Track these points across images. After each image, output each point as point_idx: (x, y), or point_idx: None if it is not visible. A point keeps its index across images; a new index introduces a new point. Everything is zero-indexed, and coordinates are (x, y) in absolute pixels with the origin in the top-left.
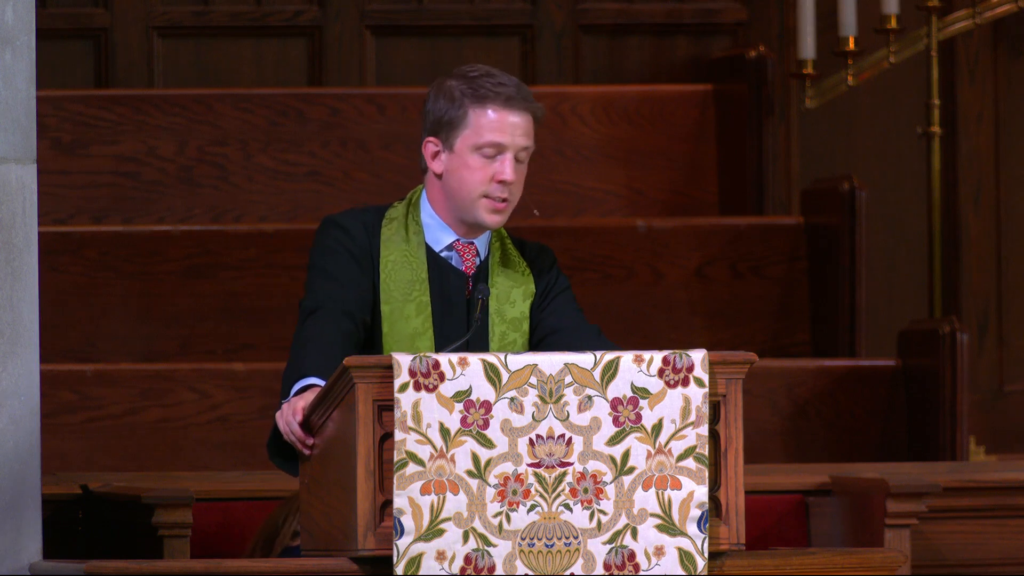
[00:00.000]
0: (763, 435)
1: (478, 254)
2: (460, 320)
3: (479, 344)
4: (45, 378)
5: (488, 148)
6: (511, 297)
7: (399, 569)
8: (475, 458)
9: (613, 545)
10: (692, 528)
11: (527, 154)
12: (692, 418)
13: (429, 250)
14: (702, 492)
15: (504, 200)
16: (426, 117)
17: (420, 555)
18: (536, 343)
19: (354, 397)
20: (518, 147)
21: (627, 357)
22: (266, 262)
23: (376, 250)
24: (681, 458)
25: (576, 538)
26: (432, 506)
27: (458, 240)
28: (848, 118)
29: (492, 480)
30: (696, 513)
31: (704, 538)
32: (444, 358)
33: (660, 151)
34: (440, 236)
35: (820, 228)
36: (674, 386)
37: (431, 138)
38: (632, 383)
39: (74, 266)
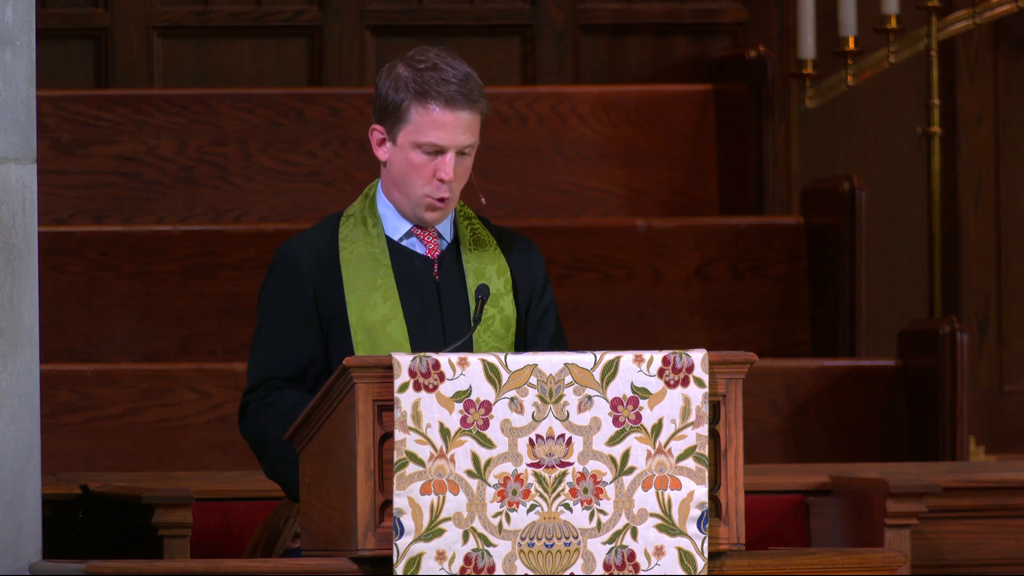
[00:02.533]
0: (763, 435)
1: (440, 236)
2: (431, 305)
3: (461, 325)
4: (45, 378)
5: (428, 146)
6: (486, 274)
7: (399, 569)
8: (475, 458)
9: (613, 545)
10: (692, 528)
11: (472, 148)
12: (692, 418)
13: (389, 240)
14: (702, 492)
15: (443, 199)
16: (375, 102)
17: (420, 555)
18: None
19: (354, 397)
20: (459, 145)
21: (627, 357)
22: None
23: (330, 261)
24: (681, 458)
25: (576, 538)
26: (432, 506)
27: (415, 227)
28: (848, 118)
29: (492, 480)
30: (696, 513)
31: (704, 538)
32: (444, 358)
33: (660, 151)
34: (398, 225)
35: (820, 228)
36: (674, 386)
37: (377, 125)
38: (632, 383)
39: (74, 266)
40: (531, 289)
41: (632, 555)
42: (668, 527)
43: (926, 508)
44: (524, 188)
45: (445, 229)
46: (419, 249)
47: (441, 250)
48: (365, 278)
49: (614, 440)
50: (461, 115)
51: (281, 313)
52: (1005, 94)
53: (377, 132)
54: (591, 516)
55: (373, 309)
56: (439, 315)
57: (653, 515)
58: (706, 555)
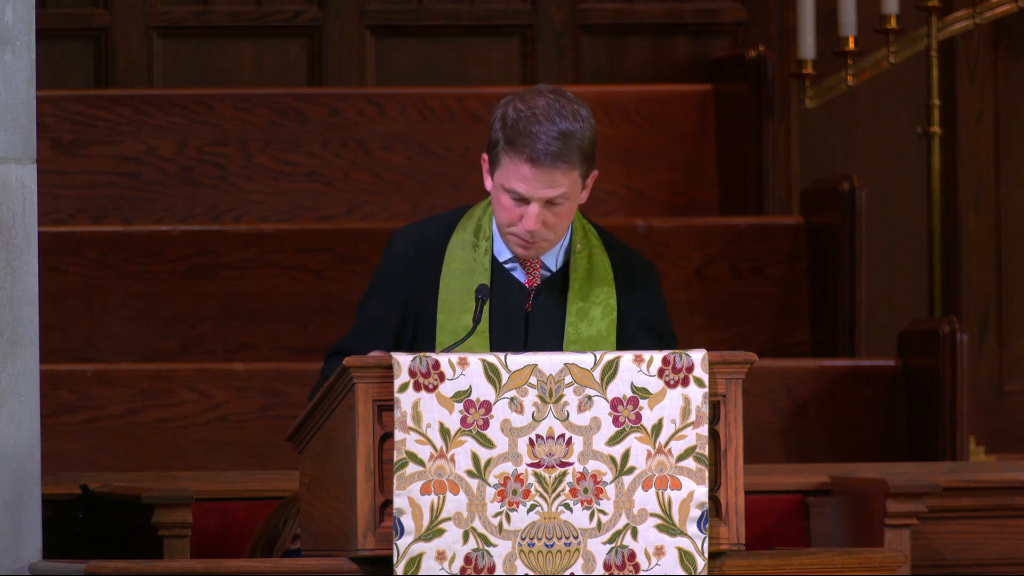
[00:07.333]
0: (763, 435)
1: (543, 267)
2: (517, 336)
3: None
4: (45, 378)
5: (513, 193)
6: (590, 315)
7: (399, 569)
8: (475, 458)
9: (613, 545)
10: (692, 528)
11: (565, 198)
12: (692, 418)
13: (495, 260)
14: (702, 492)
15: (531, 242)
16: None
17: (420, 555)
18: None
19: (354, 397)
20: (543, 198)
21: (627, 357)
22: (266, 262)
23: (435, 265)
24: (681, 458)
25: (576, 538)
26: (432, 506)
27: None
28: (848, 118)
29: (492, 480)
30: (696, 513)
31: (704, 538)
32: (444, 358)
33: (660, 151)
34: (504, 248)
35: (820, 228)
36: (674, 386)
37: (485, 155)
38: (632, 383)
39: (74, 266)
40: (635, 327)
41: (632, 555)
42: (668, 527)
43: (926, 508)
44: None
45: (550, 259)
46: (520, 276)
47: (542, 280)
48: (460, 298)
49: (614, 440)
50: (547, 172)
51: (370, 305)
52: (1005, 94)
53: (484, 162)
54: (591, 516)
55: (464, 330)
56: (523, 348)
57: (653, 515)
58: (706, 555)
